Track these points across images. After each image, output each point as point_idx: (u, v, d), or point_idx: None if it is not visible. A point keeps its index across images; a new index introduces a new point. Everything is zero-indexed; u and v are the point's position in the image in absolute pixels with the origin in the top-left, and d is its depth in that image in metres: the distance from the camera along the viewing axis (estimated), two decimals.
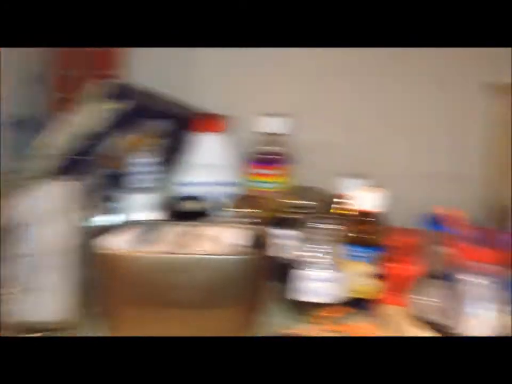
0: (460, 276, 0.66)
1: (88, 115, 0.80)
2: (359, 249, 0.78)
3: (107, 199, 0.87)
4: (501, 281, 0.67)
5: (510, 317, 0.63)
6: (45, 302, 0.70)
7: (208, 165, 0.92)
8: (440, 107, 0.98)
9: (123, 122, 0.83)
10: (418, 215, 0.92)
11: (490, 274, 0.67)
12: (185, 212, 0.87)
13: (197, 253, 0.68)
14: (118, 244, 0.69)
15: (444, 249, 0.76)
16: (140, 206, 0.84)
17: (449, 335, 0.63)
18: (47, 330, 0.68)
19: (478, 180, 0.98)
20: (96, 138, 0.82)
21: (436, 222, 0.90)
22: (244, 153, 0.94)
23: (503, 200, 0.89)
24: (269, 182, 0.92)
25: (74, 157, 0.79)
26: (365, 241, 0.78)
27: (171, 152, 0.94)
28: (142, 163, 0.84)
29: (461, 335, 0.62)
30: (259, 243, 0.73)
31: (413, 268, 0.80)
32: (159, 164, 0.94)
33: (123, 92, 0.82)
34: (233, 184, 0.93)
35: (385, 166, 0.99)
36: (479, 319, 0.62)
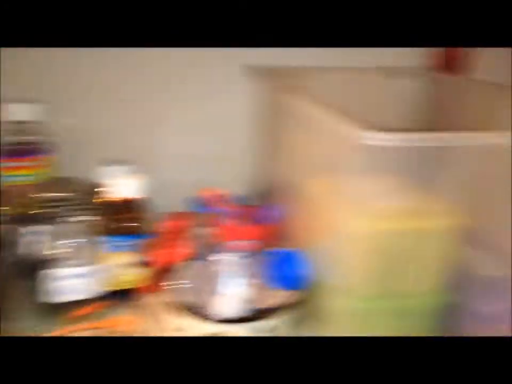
0: (216, 255, 0.65)
1: None
2: (121, 238, 0.75)
3: None
4: (257, 256, 0.68)
5: (261, 290, 0.65)
6: None
7: None
8: (206, 90, 0.98)
9: None
10: (186, 198, 0.92)
11: (248, 250, 0.68)
12: None
13: None
14: None
15: (207, 230, 0.76)
16: None
17: (204, 316, 0.62)
18: None
19: (245, 159, 1.00)
20: None
21: (201, 203, 0.90)
22: None
23: (267, 178, 0.92)
24: (22, 175, 0.84)
25: None
26: (127, 230, 0.75)
27: None
28: None
29: (213, 314, 0.61)
30: (4, 242, 0.66)
31: (179, 253, 0.78)
32: None
33: None
34: None
35: (152, 151, 0.97)
36: (230, 296, 0.62)
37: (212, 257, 0.66)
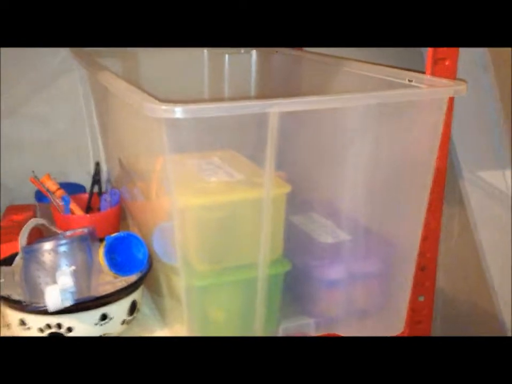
0: (41, 245, 0.63)
1: None
2: None
3: None
4: (90, 243, 0.66)
5: (94, 277, 0.63)
6: None
7: None
8: (41, 77, 0.93)
9: None
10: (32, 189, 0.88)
11: (80, 238, 0.66)
12: None
13: None
14: None
15: (39, 220, 0.72)
16: None
17: (36, 309, 0.59)
18: None
19: (77, 145, 0.97)
20: None
21: (37, 193, 0.86)
22: None
23: (103, 163, 0.90)
24: None
25: None
26: None
27: None
28: None
29: (45, 306, 0.59)
30: None
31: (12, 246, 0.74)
32: None
33: None
34: None
35: None
36: (60, 286, 0.59)
37: (39, 248, 0.63)
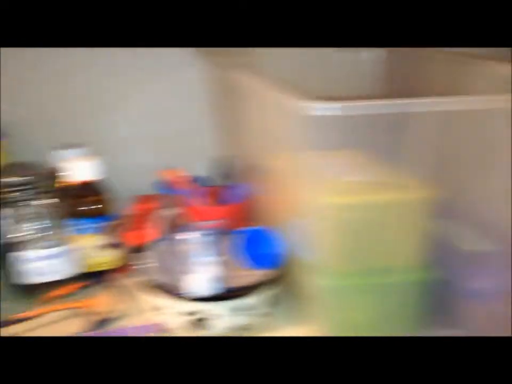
0: (183, 234, 0.65)
1: None
2: (85, 220, 0.73)
3: None
4: (226, 235, 0.68)
5: (233, 268, 0.65)
6: None
7: None
8: (161, 70, 0.96)
9: None
10: (151, 181, 0.91)
11: (215, 229, 0.68)
12: None
13: None
14: None
15: (173, 211, 0.75)
16: None
17: (177, 295, 0.61)
18: None
19: (203, 140, 0.99)
20: None
21: (165, 185, 0.89)
22: None
23: (227, 157, 0.91)
24: None
25: None
26: (89, 212, 0.73)
27: None
28: None
29: (186, 293, 0.61)
30: None
31: (148, 234, 0.77)
32: None
33: None
34: None
35: (113, 134, 0.95)
36: (201, 274, 0.61)
37: (180, 237, 0.65)
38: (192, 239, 0.64)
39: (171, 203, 0.86)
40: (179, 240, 0.65)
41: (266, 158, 0.74)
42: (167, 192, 0.89)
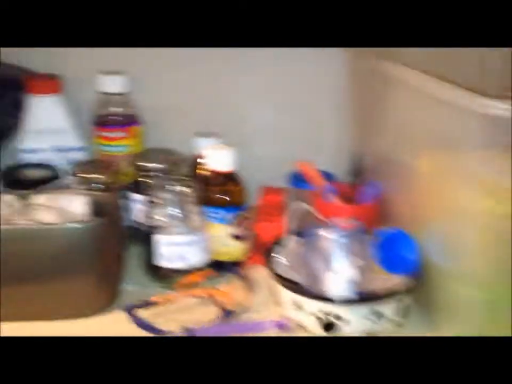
0: (319, 233, 0.63)
1: None
2: (218, 210, 0.73)
3: None
4: (361, 236, 0.65)
5: (368, 272, 0.62)
6: None
7: (48, 130, 0.82)
8: (295, 65, 0.94)
9: None
10: (281, 172, 0.90)
11: (351, 229, 0.65)
12: (25, 180, 0.77)
13: (29, 223, 0.62)
14: None
15: (306, 206, 0.73)
16: None
17: (309, 293, 0.60)
18: None
19: (336, 134, 0.96)
20: None
21: (298, 179, 0.87)
22: (86, 115, 0.85)
23: (360, 154, 0.88)
24: (115, 145, 0.84)
25: None
26: (223, 202, 0.74)
27: (1, 118, 0.84)
28: None
29: (319, 293, 0.59)
30: (103, 210, 0.66)
31: (277, 227, 0.76)
32: None
33: None
34: (77, 149, 0.84)
35: (243, 125, 0.95)
36: (336, 275, 0.59)
37: (315, 234, 0.63)
38: (326, 237, 0.62)
39: (302, 197, 0.84)
40: (312, 237, 0.63)
41: (407, 155, 0.70)
42: (298, 185, 0.88)
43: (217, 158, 0.73)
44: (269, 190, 0.89)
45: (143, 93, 0.87)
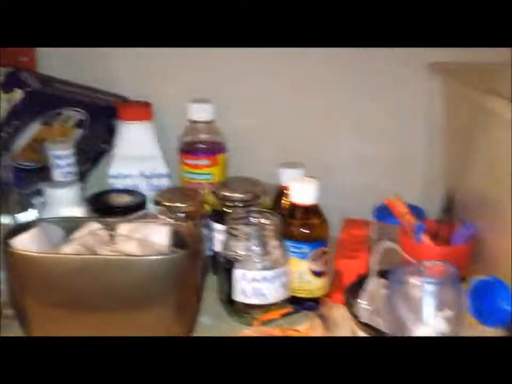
0: (406, 277, 0.59)
1: None
2: (299, 244, 0.71)
3: (25, 194, 0.78)
4: (454, 283, 0.60)
5: (459, 321, 0.57)
6: None
7: (137, 156, 0.84)
8: (383, 90, 0.91)
9: (24, 112, 0.73)
10: (366, 204, 0.86)
11: (441, 274, 0.60)
12: (112, 206, 0.79)
13: (107, 254, 0.62)
14: (26, 242, 0.62)
15: (392, 245, 0.70)
16: (60, 201, 0.76)
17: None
18: None
19: (425, 166, 0.92)
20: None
21: (384, 212, 0.83)
22: (173, 142, 0.86)
23: (453, 189, 0.83)
24: (200, 173, 0.84)
25: None
26: (304, 236, 0.71)
27: (93, 143, 0.86)
28: (59, 155, 0.74)
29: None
30: (186, 240, 0.65)
31: (360, 264, 0.73)
32: (79, 155, 0.86)
33: (16, 80, 0.72)
34: (163, 175, 0.85)
35: (326, 153, 0.92)
36: (426, 326, 0.55)
37: (402, 278, 0.59)
38: (414, 283, 0.58)
39: (388, 233, 0.80)
40: (397, 280, 0.59)
41: (505, 193, 0.65)
42: (385, 219, 0.84)
43: (300, 190, 0.71)
44: (352, 223, 0.86)
45: (228, 120, 0.87)
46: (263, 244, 0.68)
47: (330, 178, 0.85)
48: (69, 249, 0.62)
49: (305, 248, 0.71)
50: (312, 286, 0.73)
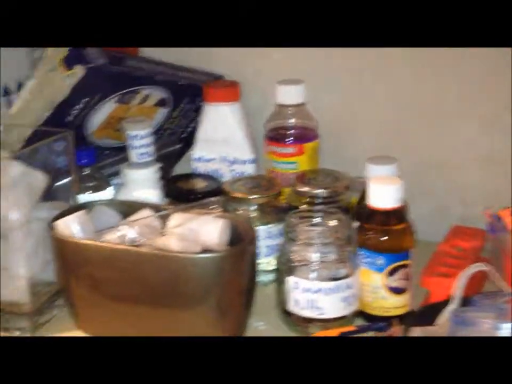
0: (483, 318, 0.47)
1: (49, 82, 0.70)
2: (374, 254, 0.61)
3: (102, 173, 0.78)
4: None
5: None
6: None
7: (220, 139, 0.78)
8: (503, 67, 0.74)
9: (89, 89, 0.71)
10: (475, 214, 0.72)
11: None
12: (187, 191, 0.75)
13: (149, 247, 0.58)
14: (68, 225, 0.60)
15: (486, 267, 0.57)
16: (136, 183, 0.73)
17: None
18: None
19: None
20: (64, 107, 0.71)
21: (496, 225, 0.69)
22: (260, 127, 0.79)
23: None
24: (284, 161, 0.76)
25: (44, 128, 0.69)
26: (381, 245, 0.61)
27: (182, 123, 0.83)
28: (135, 135, 0.72)
29: None
30: (238, 237, 0.59)
31: (453, 283, 0.60)
32: (167, 135, 0.83)
33: (78, 56, 0.70)
34: (246, 161, 0.78)
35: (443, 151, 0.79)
36: None
37: (468, 318, 0.47)
38: (489, 327, 0.45)
39: (494, 245, 0.66)
40: (462, 322, 0.47)
41: None
42: (495, 231, 0.69)
43: (379, 191, 0.61)
44: (461, 232, 0.72)
45: (319, 104, 0.78)
46: (325, 250, 0.59)
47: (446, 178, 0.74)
48: (111, 236, 0.59)
49: (382, 260, 0.61)
50: (389, 304, 0.62)
